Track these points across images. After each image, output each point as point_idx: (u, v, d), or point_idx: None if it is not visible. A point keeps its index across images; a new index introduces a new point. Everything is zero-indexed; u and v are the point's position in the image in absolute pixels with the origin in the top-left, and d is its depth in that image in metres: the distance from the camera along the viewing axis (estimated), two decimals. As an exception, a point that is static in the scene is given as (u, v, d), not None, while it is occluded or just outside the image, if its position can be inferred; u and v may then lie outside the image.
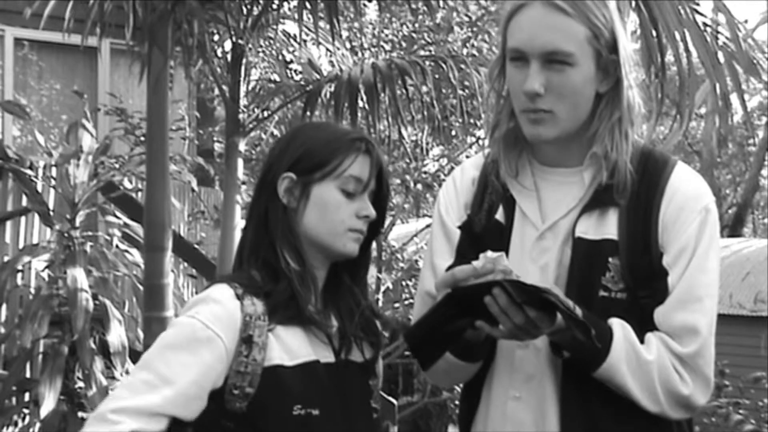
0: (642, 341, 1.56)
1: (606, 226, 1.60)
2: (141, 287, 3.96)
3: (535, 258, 1.63)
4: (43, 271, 4.36)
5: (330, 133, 1.60)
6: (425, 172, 8.45)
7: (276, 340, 1.51)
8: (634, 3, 3.08)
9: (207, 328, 1.46)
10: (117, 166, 4.80)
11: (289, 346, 1.52)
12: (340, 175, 1.55)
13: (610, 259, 1.58)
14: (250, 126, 4.18)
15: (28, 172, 4.41)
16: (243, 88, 4.11)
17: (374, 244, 1.72)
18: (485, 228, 1.68)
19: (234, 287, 1.52)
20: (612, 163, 1.59)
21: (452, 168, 8.38)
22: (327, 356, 1.56)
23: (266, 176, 1.59)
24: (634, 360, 1.54)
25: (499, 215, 1.67)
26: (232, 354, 1.48)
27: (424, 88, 4.14)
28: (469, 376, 1.71)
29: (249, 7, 4.00)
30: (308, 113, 4.26)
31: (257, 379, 1.48)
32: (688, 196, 1.61)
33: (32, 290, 4.39)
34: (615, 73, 1.58)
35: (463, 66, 4.12)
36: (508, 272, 1.46)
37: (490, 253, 1.47)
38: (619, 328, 1.55)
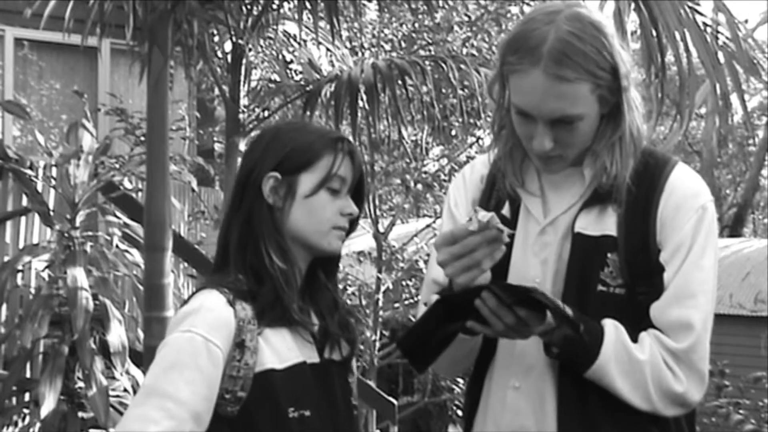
0: (636, 339, 1.57)
1: (605, 223, 1.62)
2: (141, 287, 3.96)
3: (536, 252, 1.66)
4: (43, 271, 4.35)
5: (312, 134, 1.62)
6: (425, 172, 8.46)
7: (265, 344, 1.52)
8: (634, 3, 3.09)
9: (207, 341, 1.46)
10: (117, 166, 4.79)
11: (278, 349, 1.53)
12: (326, 175, 1.58)
13: (608, 255, 1.60)
14: (251, 126, 4.19)
15: (28, 172, 4.40)
16: (243, 88, 4.12)
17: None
18: None
19: (224, 293, 1.52)
20: (611, 177, 1.61)
21: (452, 168, 8.41)
22: (312, 356, 1.58)
23: (248, 177, 1.60)
24: (626, 361, 1.55)
25: (505, 210, 1.71)
26: (226, 359, 1.48)
27: (424, 88, 4.14)
28: (470, 358, 1.73)
29: (249, 7, 4.00)
30: (308, 113, 4.26)
31: (249, 383, 1.49)
32: (686, 194, 1.62)
33: (32, 290, 4.38)
34: (617, 95, 1.58)
35: (463, 66, 4.12)
36: (501, 230, 1.46)
37: (482, 213, 1.47)
38: (612, 329, 1.57)
